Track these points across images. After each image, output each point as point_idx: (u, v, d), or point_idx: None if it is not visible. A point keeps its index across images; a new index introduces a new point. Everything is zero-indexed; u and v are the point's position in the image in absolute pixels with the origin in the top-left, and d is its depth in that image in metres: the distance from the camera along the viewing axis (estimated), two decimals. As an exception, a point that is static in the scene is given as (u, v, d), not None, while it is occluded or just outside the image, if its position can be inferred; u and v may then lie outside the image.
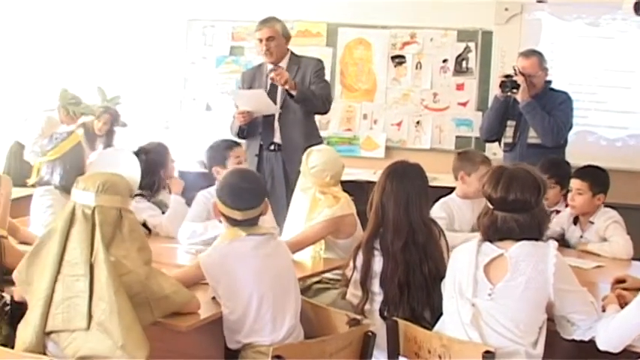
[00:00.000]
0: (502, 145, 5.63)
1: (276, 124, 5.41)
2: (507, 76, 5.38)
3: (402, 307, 3.33)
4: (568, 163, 5.04)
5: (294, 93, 5.23)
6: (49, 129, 6.61)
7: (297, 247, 3.96)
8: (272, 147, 5.43)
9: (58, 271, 2.75)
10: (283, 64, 5.44)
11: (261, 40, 5.38)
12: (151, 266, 2.93)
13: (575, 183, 4.55)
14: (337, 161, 4.30)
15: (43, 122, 6.58)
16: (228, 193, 3.30)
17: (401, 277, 3.37)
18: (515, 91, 5.33)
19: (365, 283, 3.46)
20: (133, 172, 3.88)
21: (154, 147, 4.78)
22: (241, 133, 5.44)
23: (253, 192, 3.33)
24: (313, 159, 4.24)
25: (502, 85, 5.37)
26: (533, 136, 5.38)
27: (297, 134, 5.38)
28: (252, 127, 5.44)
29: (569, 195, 4.61)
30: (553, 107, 5.36)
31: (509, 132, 5.51)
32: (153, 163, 4.67)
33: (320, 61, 5.59)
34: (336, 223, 4.11)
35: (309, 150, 4.34)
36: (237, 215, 3.26)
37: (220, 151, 4.51)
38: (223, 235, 3.36)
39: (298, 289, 3.38)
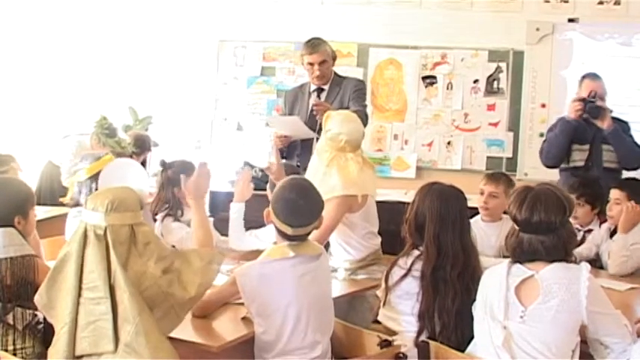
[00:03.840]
0: (569, 170, 5.49)
1: (314, 147, 5.36)
2: (590, 102, 5.30)
3: (456, 333, 3.26)
4: (599, 184, 4.99)
5: None
6: (80, 154, 6.67)
7: (322, 240, 3.87)
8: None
9: (79, 295, 2.73)
10: (327, 85, 5.44)
11: (312, 64, 5.35)
12: (175, 267, 2.87)
13: (614, 193, 4.53)
14: (355, 127, 4.25)
15: (74, 147, 6.64)
16: (282, 208, 3.24)
17: (458, 304, 3.29)
18: (598, 117, 5.30)
19: (425, 316, 3.33)
20: (141, 183, 3.81)
21: (174, 163, 4.64)
22: (280, 154, 5.37)
23: (309, 209, 3.26)
24: (330, 123, 4.21)
25: (589, 110, 5.28)
26: (608, 160, 5.36)
27: None
28: (290, 149, 5.45)
29: (609, 205, 4.56)
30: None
31: (578, 155, 5.41)
32: (167, 180, 4.57)
33: (360, 81, 5.59)
34: (346, 202, 4.08)
35: (327, 113, 4.33)
36: (288, 230, 3.22)
37: None
38: (270, 250, 3.32)
39: (333, 311, 3.36)
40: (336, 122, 4.19)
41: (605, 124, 5.28)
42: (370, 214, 4.26)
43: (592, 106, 5.26)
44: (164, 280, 2.81)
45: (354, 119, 4.32)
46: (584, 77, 5.53)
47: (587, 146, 5.37)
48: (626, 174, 5.47)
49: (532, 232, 2.94)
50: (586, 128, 5.35)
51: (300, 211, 3.23)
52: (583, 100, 5.30)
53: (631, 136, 5.47)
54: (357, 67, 7.54)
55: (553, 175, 5.63)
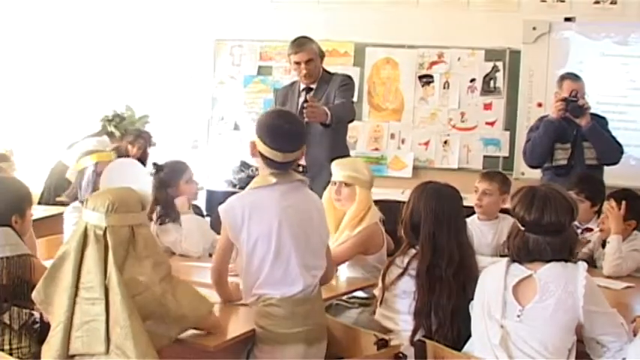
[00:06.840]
0: (552, 169, 5.50)
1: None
2: (572, 101, 5.33)
3: (452, 331, 3.26)
4: (601, 181, 5.01)
5: (328, 122, 5.06)
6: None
7: (337, 261, 3.89)
8: (299, 168, 5.27)
9: (76, 294, 2.71)
10: (316, 84, 5.33)
11: (298, 63, 5.24)
12: (170, 278, 2.84)
13: (606, 205, 4.50)
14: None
15: (92, 147, 6.65)
16: (270, 134, 3.18)
17: (454, 302, 3.28)
18: (579, 116, 5.35)
19: (421, 314, 3.32)
20: (144, 184, 3.80)
21: (166, 165, 4.66)
22: None
23: (296, 133, 3.24)
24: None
25: (572, 110, 5.32)
26: (589, 157, 5.40)
27: (322, 152, 5.15)
28: None
29: (601, 217, 4.55)
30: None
31: (560, 154, 5.44)
32: (160, 181, 4.55)
33: (347, 77, 5.42)
34: (366, 239, 4.09)
35: (334, 162, 4.33)
36: (278, 157, 3.17)
37: None
38: (253, 180, 3.29)
39: (325, 245, 3.37)
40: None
41: (583, 122, 5.32)
42: (383, 259, 4.18)
43: (574, 106, 5.31)
44: (160, 288, 2.78)
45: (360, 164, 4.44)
46: (564, 78, 5.56)
47: (568, 145, 5.41)
48: (607, 169, 5.52)
49: (540, 233, 2.93)
50: (567, 127, 5.39)
51: (288, 135, 3.20)
52: (565, 99, 5.34)
53: (609, 131, 5.51)
54: (354, 66, 7.54)
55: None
